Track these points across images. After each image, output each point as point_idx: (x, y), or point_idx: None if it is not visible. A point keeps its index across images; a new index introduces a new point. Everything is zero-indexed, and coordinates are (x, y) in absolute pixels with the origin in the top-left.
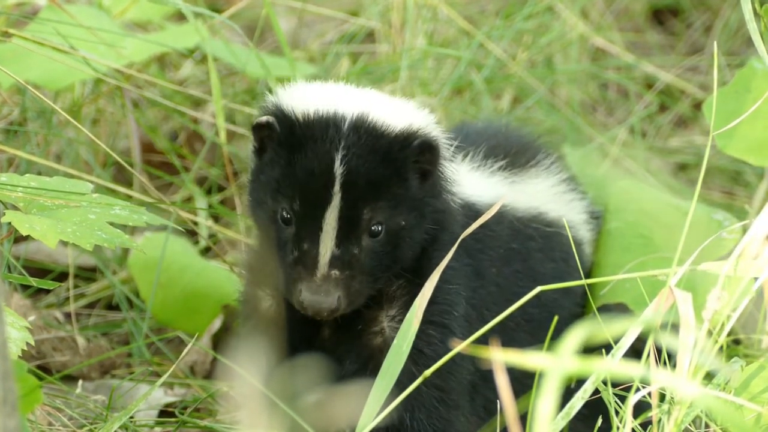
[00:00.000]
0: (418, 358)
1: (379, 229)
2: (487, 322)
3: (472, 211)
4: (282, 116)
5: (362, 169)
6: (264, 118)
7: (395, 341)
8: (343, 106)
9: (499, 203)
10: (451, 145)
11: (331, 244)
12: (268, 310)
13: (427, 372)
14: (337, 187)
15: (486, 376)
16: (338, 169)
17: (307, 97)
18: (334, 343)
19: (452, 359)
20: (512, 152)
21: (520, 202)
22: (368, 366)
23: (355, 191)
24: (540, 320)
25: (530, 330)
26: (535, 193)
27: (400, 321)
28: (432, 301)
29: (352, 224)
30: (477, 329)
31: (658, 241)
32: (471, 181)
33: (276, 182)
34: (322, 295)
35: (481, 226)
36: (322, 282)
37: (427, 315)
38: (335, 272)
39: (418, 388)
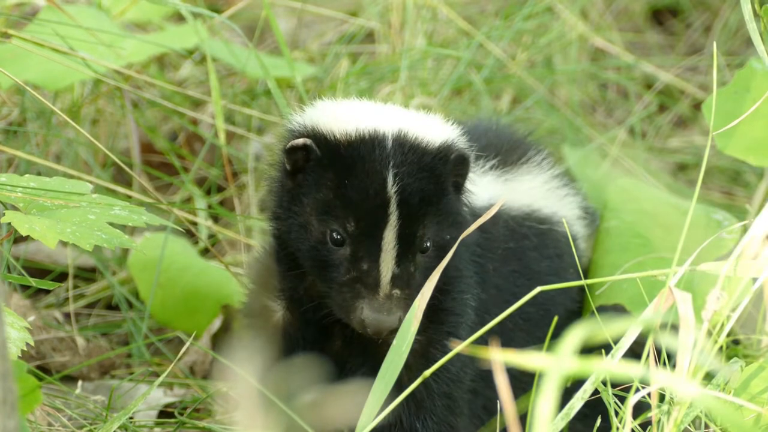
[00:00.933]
0: (432, 363)
1: (428, 245)
2: (486, 324)
3: (472, 214)
4: (320, 137)
5: (414, 188)
6: (300, 141)
7: (395, 342)
8: (380, 124)
9: (498, 204)
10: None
11: (392, 264)
12: (279, 322)
13: (427, 372)
14: (393, 207)
15: (486, 378)
16: (392, 188)
17: (339, 116)
18: (345, 354)
19: (458, 367)
20: (503, 150)
21: (514, 201)
22: None
23: (410, 210)
24: (537, 318)
25: (527, 329)
26: (527, 191)
27: (417, 331)
28: (450, 311)
29: (409, 243)
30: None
31: (656, 240)
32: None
33: (324, 204)
34: (385, 314)
35: (479, 230)
36: (384, 301)
37: (445, 326)
38: (396, 291)
39: (430, 396)
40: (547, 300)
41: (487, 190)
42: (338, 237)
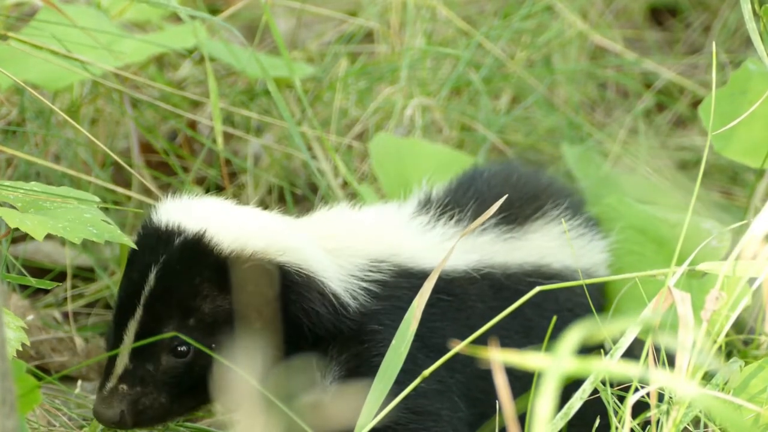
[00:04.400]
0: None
1: (185, 350)
2: (479, 392)
3: (420, 278)
4: (142, 226)
5: (172, 285)
6: (139, 229)
7: (394, 342)
8: (190, 219)
9: (438, 268)
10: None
11: (125, 358)
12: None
13: (426, 372)
14: (141, 300)
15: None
16: (149, 281)
17: (166, 210)
18: None
19: (427, 413)
20: (516, 205)
21: (514, 259)
22: None
23: (159, 307)
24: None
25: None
26: (534, 248)
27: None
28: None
29: (153, 342)
30: (455, 377)
31: (649, 255)
32: (444, 248)
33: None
34: (104, 406)
35: (444, 293)
36: (107, 395)
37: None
38: (123, 387)
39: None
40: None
41: (476, 251)
42: (108, 333)
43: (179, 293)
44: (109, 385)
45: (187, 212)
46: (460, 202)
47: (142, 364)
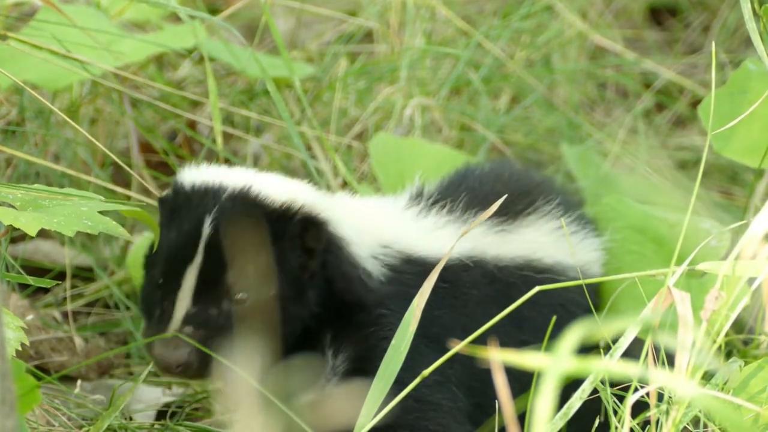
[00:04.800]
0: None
1: (244, 297)
2: (464, 367)
3: (418, 265)
4: (174, 188)
5: (230, 233)
6: (165, 193)
7: (393, 341)
8: (229, 178)
9: (445, 257)
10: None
11: (187, 301)
12: None
13: (426, 372)
14: (200, 247)
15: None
16: (205, 229)
17: (200, 172)
18: None
19: (427, 403)
20: (507, 200)
21: (506, 252)
22: None
23: (219, 253)
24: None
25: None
26: (526, 242)
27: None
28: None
29: (213, 285)
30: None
31: (649, 255)
32: (436, 236)
33: (156, 251)
34: (171, 348)
35: (439, 280)
36: (172, 337)
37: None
38: (188, 328)
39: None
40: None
41: (470, 241)
42: (160, 281)
43: (236, 243)
44: (172, 327)
45: (224, 173)
46: (452, 195)
47: (205, 309)
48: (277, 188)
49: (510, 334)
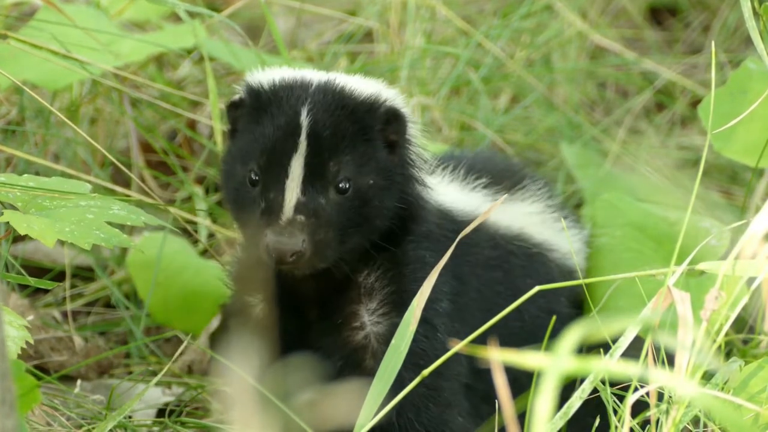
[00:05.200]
0: (407, 362)
1: (347, 186)
2: (470, 326)
3: (447, 217)
4: (252, 90)
5: (328, 122)
6: (236, 96)
7: (393, 341)
8: (310, 74)
9: (484, 215)
10: (422, 131)
11: (297, 190)
12: (259, 315)
13: (425, 372)
14: (302, 137)
15: (479, 376)
16: (304, 120)
17: (274, 72)
18: (319, 340)
19: (440, 357)
20: (497, 175)
21: (503, 219)
22: (352, 362)
23: (321, 142)
24: (523, 338)
25: (513, 346)
26: (519, 214)
27: (381, 315)
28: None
29: (319, 174)
30: (459, 329)
31: (648, 253)
32: (449, 191)
33: (244, 148)
34: (286, 236)
35: (456, 232)
36: (286, 225)
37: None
38: (300, 217)
39: (404, 386)
40: (533, 319)
41: (472, 201)
42: (255, 177)
43: (333, 133)
44: (285, 216)
45: (300, 72)
46: (451, 163)
47: (313, 197)
48: (359, 83)
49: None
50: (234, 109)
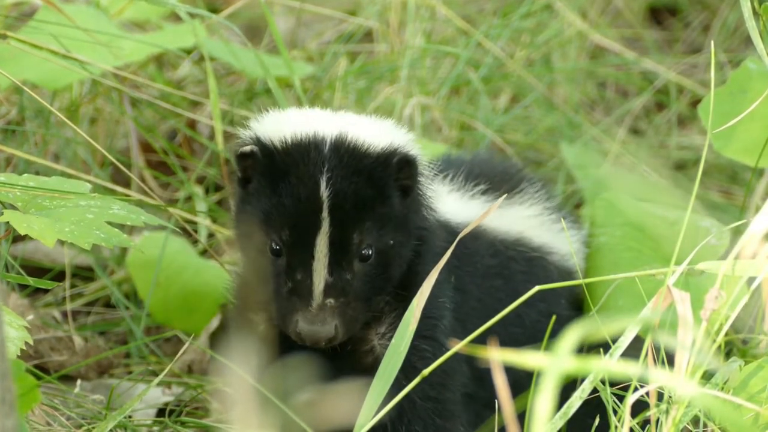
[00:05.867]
0: (411, 373)
1: (370, 252)
2: (471, 334)
3: (449, 230)
4: (263, 145)
5: (348, 191)
6: (248, 148)
7: (392, 342)
8: (320, 128)
9: (478, 220)
10: (431, 167)
11: (324, 272)
12: (263, 334)
13: (426, 371)
14: (325, 213)
15: (482, 383)
16: (324, 192)
17: (283, 123)
18: (328, 363)
19: (445, 371)
20: (495, 179)
21: (502, 225)
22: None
23: (343, 215)
24: (524, 343)
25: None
26: (518, 219)
27: (390, 338)
28: (422, 316)
29: (343, 250)
30: (461, 339)
31: (647, 253)
32: (448, 201)
33: (263, 213)
34: (319, 324)
35: (456, 244)
36: (318, 311)
37: (418, 329)
38: (330, 300)
39: (413, 401)
40: (533, 324)
41: (471, 210)
42: (277, 247)
43: (351, 198)
44: (315, 303)
45: (310, 120)
46: (450, 169)
47: (340, 275)
48: (372, 131)
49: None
50: (245, 159)
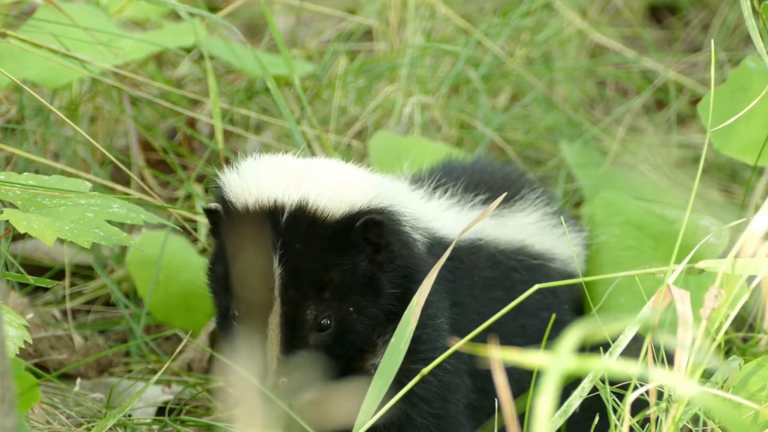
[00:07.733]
0: (412, 398)
1: (329, 322)
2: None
3: (442, 246)
4: (224, 204)
5: (303, 268)
6: (213, 205)
7: (392, 340)
8: (282, 194)
9: (470, 225)
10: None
11: (276, 354)
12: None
13: (425, 370)
14: (276, 292)
15: (485, 394)
16: (277, 271)
17: (249, 182)
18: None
19: (447, 387)
20: (496, 188)
21: (502, 235)
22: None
23: (297, 291)
24: (534, 338)
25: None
26: (519, 227)
27: None
28: (418, 340)
29: (297, 326)
30: (461, 353)
31: (647, 251)
32: (449, 217)
33: (224, 278)
34: (273, 401)
35: (452, 259)
36: (271, 389)
37: (416, 354)
38: (283, 380)
39: (414, 422)
40: (536, 332)
41: (474, 226)
42: (236, 313)
43: (307, 269)
44: (269, 382)
45: (273, 183)
46: (450, 179)
47: (294, 351)
48: (332, 196)
49: (510, 316)
50: (211, 214)
